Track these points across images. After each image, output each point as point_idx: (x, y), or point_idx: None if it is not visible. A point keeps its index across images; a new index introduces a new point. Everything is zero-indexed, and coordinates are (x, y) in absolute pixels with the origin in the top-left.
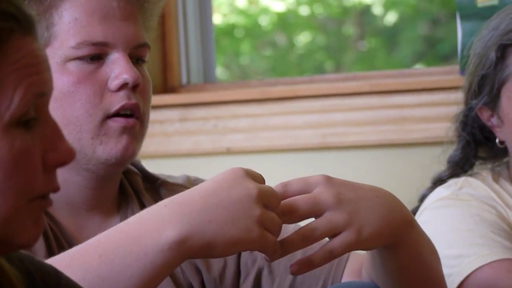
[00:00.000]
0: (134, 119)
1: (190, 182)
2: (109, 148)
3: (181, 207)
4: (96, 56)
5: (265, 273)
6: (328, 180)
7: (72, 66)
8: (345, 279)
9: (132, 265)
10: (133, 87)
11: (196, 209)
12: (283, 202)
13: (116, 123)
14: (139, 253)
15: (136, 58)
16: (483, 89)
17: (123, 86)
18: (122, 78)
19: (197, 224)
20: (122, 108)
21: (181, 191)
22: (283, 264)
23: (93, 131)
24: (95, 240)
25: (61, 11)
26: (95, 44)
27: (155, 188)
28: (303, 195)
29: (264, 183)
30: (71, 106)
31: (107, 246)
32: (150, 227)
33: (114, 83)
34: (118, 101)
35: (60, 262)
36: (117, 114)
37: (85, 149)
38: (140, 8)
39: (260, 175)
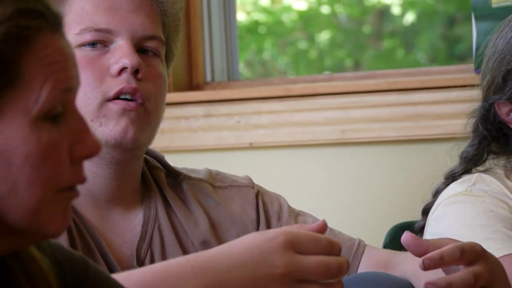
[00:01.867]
0: (134, 102)
1: (212, 176)
2: (108, 129)
3: (205, 273)
4: (100, 42)
5: None
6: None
7: (76, 52)
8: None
9: None
10: (135, 73)
11: (217, 280)
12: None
13: (116, 105)
14: None
15: (144, 49)
16: (507, 84)
17: (122, 71)
18: (122, 62)
19: None
20: (121, 91)
21: (203, 186)
22: None
23: (92, 113)
24: (119, 280)
25: (71, 2)
26: (97, 30)
27: (178, 183)
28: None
29: (325, 249)
30: None
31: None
32: (172, 285)
33: (114, 67)
34: (117, 84)
35: None
36: (117, 98)
37: None
38: (155, 2)
39: (313, 240)
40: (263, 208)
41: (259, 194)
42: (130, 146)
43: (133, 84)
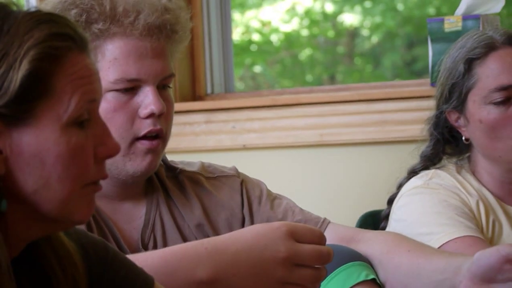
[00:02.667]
0: (157, 140)
1: (204, 168)
2: (136, 164)
3: (217, 254)
4: (130, 88)
5: None
6: None
7: (110, 96)
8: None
9: None
10: (159, 115)
11: (228, 260)
12: None
13: (143, 145)
14: (174, 284)
15: (163, 85)
16: (453, 95)
17: (150, 115)
18: (150, 109)
19: (224, 273)
20: (149, 132)
21: (196, 177)
22: None
23: (124, 150)
24: (142, 259)
25: (104, 51)
26: (129, 81)
27: (176, 176)
28: None
29: (318, 240)
30: None
31: (150, 270)
32: (187, 264)
33: (143, 112)
34: (145, 127)
35: None
36: (144, 137)
37: (117, 163)
38: (169, 46)
39: (309, 232)
40: (246, 194)
41: (243, 182)
42: (150, 174)
43: (158, 126)
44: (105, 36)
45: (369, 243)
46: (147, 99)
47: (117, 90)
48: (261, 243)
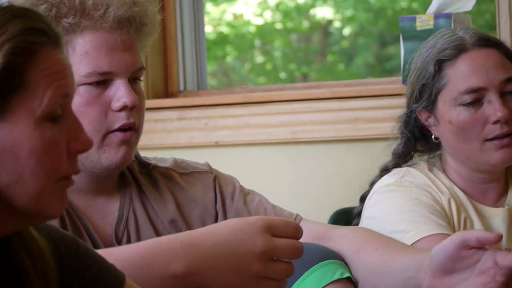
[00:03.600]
0: (131, 132)
1: (177, 164)
2: (111, 156)
3: (192, 248)
4: (102, 81)
5: None
6: None
7: (82, 89)
8: None
9: (153, 284)
10: (131, 108)
11: (203, 254)
12: None
13: (117, 137)
14: (148, 278)
15: (134, 78)
16: (423, 96)
17: (123, 108)
18: (123, 101)
19: (200, 267)
20: (122, 126)
21: (169, 173)
22: None
23: (98, 143)
24: (118, 253)
25: (74, 45)
26: (101, 74)
27: (149, 172)
28: None
29: (294, 233)
30: None
31: (125, 264)
32: (162, 257)
33: (116, 105)
34: (119, 120)
35: None
36: (117, 129)
37: (92, 157)
38: (139, 39)
39: (285, 225)
40: (219, 190)
41: (216, 178)
42: (125, 166)
43: (131, 119)
44: (75, 30)
45: (340, 241)
46: (119, 92)
47: (89, 84)
48: (238, 238)
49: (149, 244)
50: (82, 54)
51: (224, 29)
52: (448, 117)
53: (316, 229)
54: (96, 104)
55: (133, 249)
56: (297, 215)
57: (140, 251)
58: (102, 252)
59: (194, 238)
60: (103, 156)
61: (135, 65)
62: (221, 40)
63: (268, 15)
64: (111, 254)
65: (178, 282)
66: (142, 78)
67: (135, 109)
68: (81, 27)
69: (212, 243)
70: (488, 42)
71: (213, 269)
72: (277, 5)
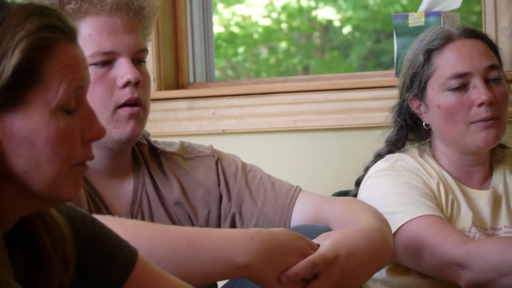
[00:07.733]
0: (138, 107)
1: (183, 149)
2: (121, 130)
3: (261, 245)
4: (106, 61)
5: (237, 217)
6: None
7: (89, 70)
8: (294, 222)
9: (207, 266)
10: (135, 84)
11: (265, 251)
12: None
13: (125, 112)
14: (215, 261)
15: (137, 59)
16: (414, 84)
17: (127, 84)
18: (127, 78)
19: (260, 262)
20: (128, 100)
21: (175, 158)
22: (249, 211)
23: (108, 118)
24: (189, 233)
25: (79, 29)
26: (105, 53)
27: (157, 156)
28: None
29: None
30: (89, 101)
31: (195, 242)
32: (233, 247)
33: (120, 81)
34: (124, 95)
35: (157, 236)
36: (124, 104)
37: None
38: (139, 21)
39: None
40: (222, 171)
41: (218, 161)
42: (135, 140)
43: (136, 94)
44: (78, 15)
45: (328, 215)
46: (122, 70)
47: (95, 64)
48: (296, 243)
49: (222, 233)
50: (86, 37)
51: (234, 29)
52: (436, 102)
53: (311, 207)
54: (102, 82)
55: (206, 234)
56: (297, 186)
57: (213, 237)
58: (172, 231)
59: (263, 236)
60: (114, 131)
61: (137, 46)
62: (231, 39)
63: (274, 16)
64: (182, 232)
65: (240, 271)
66: (145, 60)
67: (139, 86)
68: (83, 11)
69: (270, 243)
70: (473, 33)
71: (272, 266)
72: (283, 7)
